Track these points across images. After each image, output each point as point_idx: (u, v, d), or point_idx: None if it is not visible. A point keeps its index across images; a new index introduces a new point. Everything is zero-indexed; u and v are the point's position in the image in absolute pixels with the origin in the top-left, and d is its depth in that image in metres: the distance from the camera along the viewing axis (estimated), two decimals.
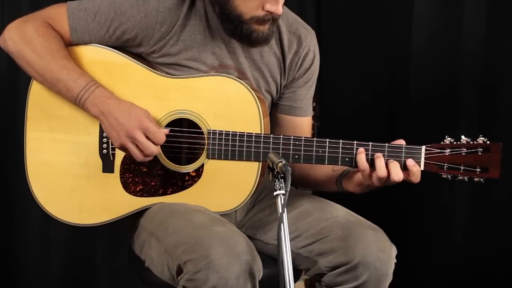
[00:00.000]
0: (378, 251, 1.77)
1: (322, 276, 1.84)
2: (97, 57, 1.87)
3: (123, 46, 1.89)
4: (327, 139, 1.83)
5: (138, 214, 1.91)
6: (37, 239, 2.79)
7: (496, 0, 2.60)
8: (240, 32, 1.83)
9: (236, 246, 1.69)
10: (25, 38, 1.85)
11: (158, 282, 1.84)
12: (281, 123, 2.01)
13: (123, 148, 1.82)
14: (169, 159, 1.87)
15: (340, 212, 1.88)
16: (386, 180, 1.79)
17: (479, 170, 1.80)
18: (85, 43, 1.88)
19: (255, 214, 1.99)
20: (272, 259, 1.90)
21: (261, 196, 2.02)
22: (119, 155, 1.88)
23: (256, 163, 1.85)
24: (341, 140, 1.82)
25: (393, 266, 1.80)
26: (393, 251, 1.82)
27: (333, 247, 1.80)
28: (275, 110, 2.02)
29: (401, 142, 1.82)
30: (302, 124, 2.02)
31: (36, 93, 1.89)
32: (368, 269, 1.76)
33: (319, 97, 2.05)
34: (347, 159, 1.82)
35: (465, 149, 1.80)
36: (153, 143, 1.79)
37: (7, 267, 2.82)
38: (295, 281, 1.75)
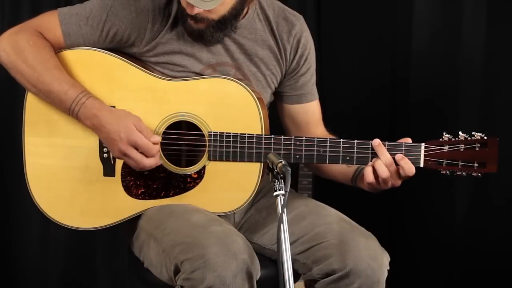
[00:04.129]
0: (369, 259, 1.77)
1: (315, 282, 1.85)
2: (95, 61, 1.87)
3: (117, 47, 1.89)
4: (328, 138, 1.85)
5: (137, 216, 1.91)
6: (37, 239, 2.79)
7: None
8: (184, 27, 1.84)
9: (233, 245, 1.70)
10: (17, 49, 1.84)
11: (157, 283, 1.84)
12: (294, 114, 2.03)
13: (120, 159, 1.84)
14: (171, 162, 1.87)
15: (334, 217, 1.88)
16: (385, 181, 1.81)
17: (476, 165, 1.82)
18: (80, 46, 1.88)
19: (252, 215, 2.00)
20: (270, 260, 1.91)
21: (259, 196, 2.02)
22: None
23: (258, 164, 1.86)
24: (341, 140, 1.84)
25: (385, 274, 1.80)
26: (385, 258, 1.82)
27: (325, 254, 1.80)
28: (284, 103, 2.03)
29: (407, 140, 1.83)
30: (314, 108, 2.04)
31: (34, 98, 1.89)
32: (359, 277, 1.76)
33: (319, 95, 2.06)
34: (348, 158, 1.83)
35: (463, 145, 1.82)
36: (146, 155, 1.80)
37: (6, 267, 2.82)
38: (294, 281, 1.77)
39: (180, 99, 1.86)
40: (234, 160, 1.85)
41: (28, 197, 1.92)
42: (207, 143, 1.86)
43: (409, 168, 1.80)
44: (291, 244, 1.78)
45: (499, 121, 2.60)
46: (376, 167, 1.80)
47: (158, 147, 1.82)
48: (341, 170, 1.95)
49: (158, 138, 1.83)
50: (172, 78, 1.88)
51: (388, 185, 1.82)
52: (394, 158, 1.80)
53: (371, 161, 1.82)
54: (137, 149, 1.80)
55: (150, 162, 1.81)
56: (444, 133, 1.83)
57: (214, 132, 1.85)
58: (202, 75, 1.90)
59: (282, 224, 1.56)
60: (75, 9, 1.88)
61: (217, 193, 1.87)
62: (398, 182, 1.82)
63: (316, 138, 1.85)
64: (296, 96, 2.01)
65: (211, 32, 1.83)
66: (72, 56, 1.88)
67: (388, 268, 1.82)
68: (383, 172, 1.79)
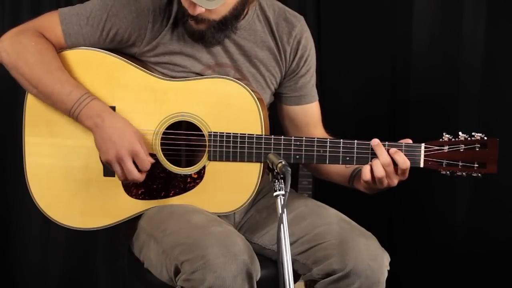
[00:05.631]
0: (369, 259, 1.77)
1: (315, 282, 1.85)
2: (96, 61, 1.87)
3: (118, 48, 1.90)
4: (328, 139, 1.85)
5: (137, 216, 1.92)
6: (37, 239, 2.79)
7: None
8: (185, 28, 1.84)
9: (233, 246, 1.70)
10: (18, 50, 1.85)
11: (157, 283, 1.85)
12: (293, 115, 2.03)
13: (108, 163, 1.83)
14: (171, 162, 1.88)
15: (334, 218, 1.88)
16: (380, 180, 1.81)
17: (476, 165, 1.82)
18: (80, 46, 1.89)
19: (252, 215, 2.00)
20: (270, 260, 1.91)
21: (259, 196, 2.02)
22: None
23: (258, 164, 1.86)
24: (341, 140, 1.84)
25: (385, 274, 1.81)
26: (385, 258, 1.82)
27: (326, 255, 1.80)
28: (283, 104, 2.03)
29: (408, 141, 1.84)
30: (313, 110, 2.04)
31: (34, 98, 1.89)
32: (359, 277, 1.76)
33: (319, 96, 2.06)
34: (347, 158, 1.84)
35: (463, 146, 1.82)
36: (139, 169, 1.81)
37: (6, 267, 2.82)
38: (294, 281, 1.77)
39: (180, 99, 1.86)
40: (234, 160, 1.85)
41: (28, 197, 1.92)
42: (207, 143, 1.86)
43: (403, 162, 1.80)
44: (291, 244, 1.78)
45: (499, 122, 2.60)
46: (373, 166, 1.80)
47: (149, 166, 1.83)
48: (338, 171, 1.95)
49: (153, 160, 1.84)
50: (172, 78, 1.88)
51: (383, 185, 1.82)
52: (390, 154, 1.81)
53: (370, 161, 1.82)
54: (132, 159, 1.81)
55: (139, 176, 1.82)
56: (444, 134, 1.84)
57: (214, 132, 1.85)
58: (202, 75, 1.90)
59: (282, 224, 1.56)
60: (76, 9, 1.88)
61: (217, 193, 1.87)
62: (395, 182, 1.83)
63: (316, 139, 1.85)
64: (295, 98, 2.01)
65: (212, 33, 1.83)
66: (72, 56, 1.88)
67: (388, 268, 1.82)
68: (379, 171, 1.80)
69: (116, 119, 1.82)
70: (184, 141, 1.88)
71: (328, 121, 2.07)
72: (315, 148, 1.84)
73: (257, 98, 1.85)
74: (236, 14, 1.83)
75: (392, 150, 1.81)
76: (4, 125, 2.70)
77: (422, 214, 2.75)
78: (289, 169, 1.57)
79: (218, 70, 1.91)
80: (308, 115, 2.03)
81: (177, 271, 1.73)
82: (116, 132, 1.80)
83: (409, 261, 2.74)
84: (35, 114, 1.90)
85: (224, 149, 1.85)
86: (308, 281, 1.93)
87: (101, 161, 1.86)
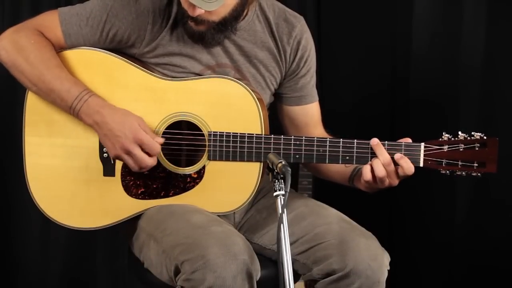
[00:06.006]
0: (370, 259, 1.78)
1: (315, 282, 1.85)
2: (96, 61, 1.88)
3: (117, 48, 1.90)
4: (328, 138, 1.85)
5: (137, 216, 1.92)
6: (37, 239, 2.79)
7: None
8: (184, 29, 1.84)
9: (233, 246, 1.70)
10: (17, 48, 1.85)
11: (157, 283, 1.85)
12: (293, 115, 2.03)
13: (118, 159, 1.84)
14: (171, 161, 1.88)
15: (334, 217, 1.89)
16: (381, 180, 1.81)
17: (476, 165, 1.82)
18: (80, 46, 1.89)
19: (252, 215, 2.00)
20: (270, 260, 1.92)
21: (259, 196, 2.02)
22: None
23: (258, 164, 1.86)
24: (341, 139, 1.84)
25: (385, 274, 1.81)
26: (385, 258, 1.82)
27: (326, 255, 1.81)
28: (283, 104, 2.03)
29: (408, 140, 1.84)
30: (313, 110, 2.04)
31: (34, 98, 1.89)
32: (359, 277, 1.76)
33: (319, 96, 2.06)
34: (347, 157, 1.84)
35: (462, 145, 1.82)
36: (149, 154, 1.81)
37: (7, 267, 2.82)
38: (294, 281, 1.77)
39: (180, 99, 1.86)
40: (234, 160, 1.85)
41: (28, 197, 1.92)
42: (207, 143, 1.86)
43: (408, 167, 1.80)
44: (291, 244, 1.78)
45: (499, 121, 2.60)
46: (373, 166, 1.81)
47: (160, 147, 1.82)
48: (338, 170, 1.95)
49: (162, 139, 1.83)
50: (173, 78, 1.88)
51: (385, 184, 1.82)
52: (393, 158, 1.81)
53: (370, 161, 1.83)
54: (140, 147, 1.80)
55: (151, 161, 1.82)
56: (443, 133, 1.84)
57: (214, 132, 1.85)
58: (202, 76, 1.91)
59: (282, 224, 1.56)
60: (76, 9, 1.88)
61: (217, 193, 1.87)
62: (396, 182, 1.83)
63: (315, 138, 1.85)
64: (295, 98, 2.01)
65: (211, 34, 1.83)
66: (72, 56, 1.88)
67: (388, 268, 1.82)
68: (380, 171, 1.80)
69: (114, 112, 1.82)
70: (184, 141, 1.88)
71: (328, 121, 2.08)
72: (315, 148, 1.84)
73: (257, 98, 1.86)
74: (236, 15, 1.84)
75: (398, 155, 1.81)
76: (4, 124, 2.70)
77: (422, 213, 2.76)
78: (289, 169, 1.57)
79: (218, 71, 1.91)
80: (308, 115, 2.03)
81: (177, 271, 1.73)
82: (116, 125, 1.80)
83: (409, 261, 2.74)
84: (35, 114, 1.90)
85: (224, 149, 1.85)
86: (308, 281, 1.93)
87: (111, 158, 1.86)
